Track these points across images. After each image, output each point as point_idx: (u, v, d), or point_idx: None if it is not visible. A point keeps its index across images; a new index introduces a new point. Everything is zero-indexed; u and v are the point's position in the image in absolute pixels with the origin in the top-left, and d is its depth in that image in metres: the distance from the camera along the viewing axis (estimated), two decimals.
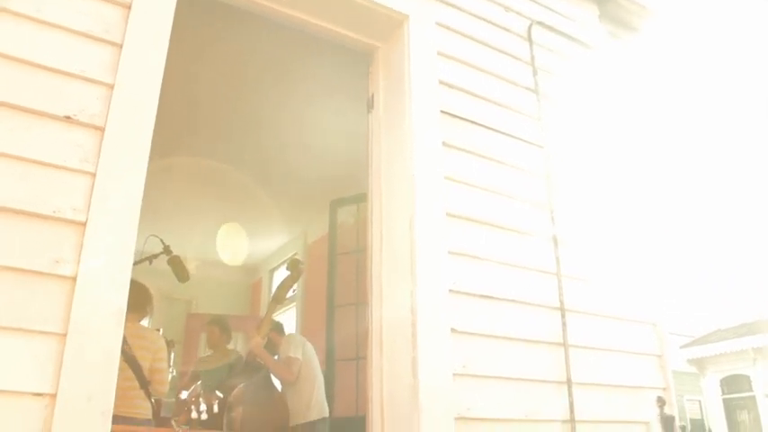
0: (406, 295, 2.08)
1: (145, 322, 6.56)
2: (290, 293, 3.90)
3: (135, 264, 3.62)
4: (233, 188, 5.47)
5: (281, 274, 6.72)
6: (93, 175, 1.64)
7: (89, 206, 1.61)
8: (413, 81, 2.34)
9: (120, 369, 2.94)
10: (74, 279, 1.53)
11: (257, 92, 3.99)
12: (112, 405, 1.50)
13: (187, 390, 4.48)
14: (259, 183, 5.41)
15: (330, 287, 4.58)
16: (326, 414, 3.77)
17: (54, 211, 1.57)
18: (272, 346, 3.82)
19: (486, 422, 2.05)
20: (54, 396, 1.43)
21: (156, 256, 3.67)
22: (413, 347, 2.00)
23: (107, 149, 1.68)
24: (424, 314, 2.03)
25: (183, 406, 2.27)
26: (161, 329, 4.41)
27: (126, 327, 3.10)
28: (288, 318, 6.22)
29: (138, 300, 3.24)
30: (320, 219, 5.36)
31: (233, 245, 3.53)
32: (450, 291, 2.12)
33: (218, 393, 2.28)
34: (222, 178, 5.28)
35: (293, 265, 3.74)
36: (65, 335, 1.48)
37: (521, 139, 2.54)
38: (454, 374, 2.03)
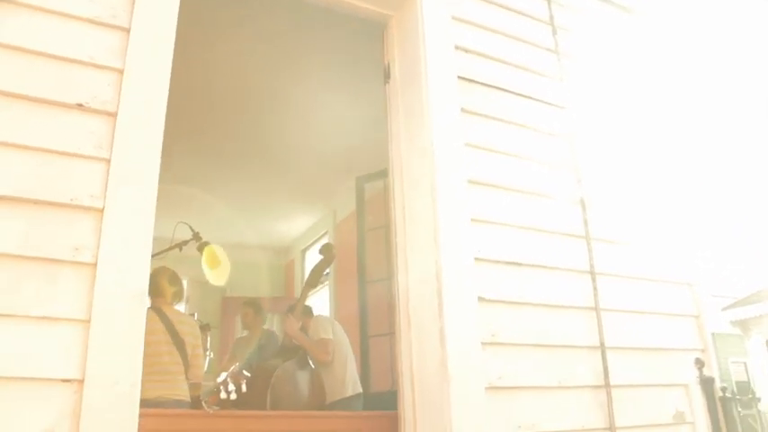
0: (431, 266, 2.05)
1: (181, 308, 6.70)
2: (322, 277, 3.93)
3: (165, 251, 3.71)
4: (260, 170, 5.49)
5: (313, 254, 6.77)
6: (108, 161, 1.64)
7: (105, 192, 1.61)
8: (428, 48, 2.28)
9: (171, 354, 3.05)
10: (94, 265, 1.54)
11: (275, 70, 3.97)
12: (138, 388, 1.51)
13: (226, 371, 4.56)
14: (285, 163, 5.42)
15: (360, 263, 4.58)
16: (360, 390, 3.82)
17: (71, 199, 1.58)
18: (302, 330, 3.87)
19: (518, 390, 2.02)
20: (82, 381, 1.45)
21: (185, 242, 3.72)
22: (439, 318, 1.97)
23: (120, 135, 1.67)
24: (450, 284, 2.00)
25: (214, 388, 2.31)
26: (195, 314, 4.49)
27: (170, 312, 3.20)
28: (321, 296, 6.26)
29: (172, 285, 3.29)
30: (348, 196, 5.34)
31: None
32: (475, 259, 2.08)
33: (246, 373, 2.30)
34: (248, 161, 5.29)
35: (326, 250, 3.77)
36: (88, 321, 1.49)
37: (542, 101, 2.46)
38: (483, 343, 2.00)
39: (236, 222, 6.44)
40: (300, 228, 6.79)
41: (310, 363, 3.67)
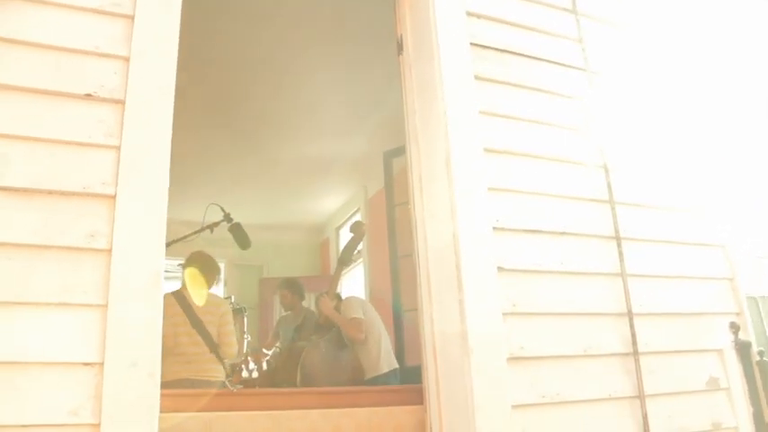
0: (448, 237, 2.03)
1: (220, 291, 6.84)
2: (354, 254, 3.94)
3: (196, 233, 3.76)
4: (290, 149, 5.52)
5: (347, 231, 6.80)
6: (118, 148, 1.66)
7: (117, 179, 1.63)
8: (438, 16, 2.23)
9: (189, 335, 3.12)
10: (109, 251, 1.57)
11: (293, 49, 3.96)
12: (158, 368, 1.55)
13: (269, 349, 4.65)
14: (315, 140, 5.42)
15: (391, 238, 4.56)
16: (396, 366, 3.83)
17: (84, 188, 1.61)
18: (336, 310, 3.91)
19: (541, 360, 2.00)
20: (102, 364, 1.49)
21: (216, 224, 3.75)
22: (458, 290, 1.95)
23: (129, 122, 1.69)
24: (467, 255, 1.97)
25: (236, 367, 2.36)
26: (232, 297, 4.57)
27: (189, 294, 3.27)
28: (356, 274, 6.30)
29: (202, 268, 3.36)
30: (378, 172, 5.33)
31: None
32: (493, 228, 2.05)
33: (265, 351, 2.33)
34: (278, 140, 5.32)
35: (356, 227, 3.79)
36: (105, 306, 1.53)
37: (560, 64, 2.39)
38: (503, 314, 1.98)
39: (270, 203, 6.52)
40: (333, 206, 6.82)
41: (345, 341, 3.71)
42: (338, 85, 4.60)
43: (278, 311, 6.34)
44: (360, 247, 4.03)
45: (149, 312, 1.56)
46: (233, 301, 4.43)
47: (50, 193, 1.58)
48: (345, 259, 3.78)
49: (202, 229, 3.66)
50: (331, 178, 6.17)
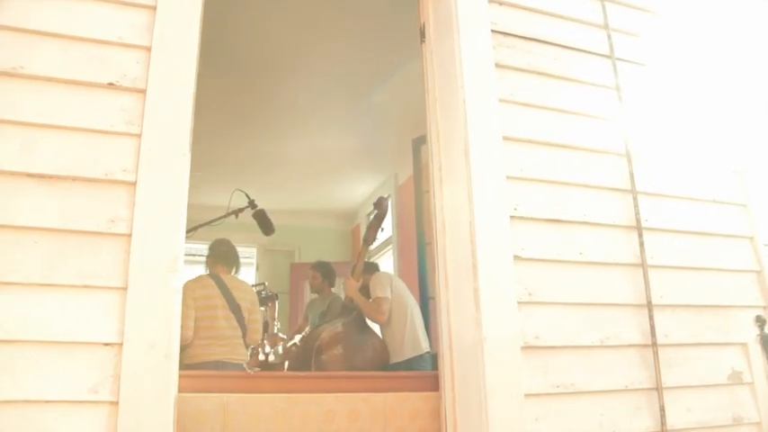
0: (465, 225, 2.02)
1: (251, 275, 6.92)
2: (379, 233, 3.84)
3: (220, 218, 3.81)
4: (322, 135, 5.54)
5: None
6: (139, 136, 1.71)
7: (137, 166, 1.68)
8: (459, 2, 2.22)
9: (227, 319, 3.19)
10: (129, 236, 1.62)
11: (322, 36, 3.97)
12: (176, 350, 1.60)
13: (299, 333, 4.70)
14: (347, 127, 5.44)
15: (419, 225, 4.58)
16: (422, 351, 3.71)
17: (105, 174, 1.66)
18: (365, 290, 3.86)
19: (557, 350, 1.99)
20: (121, 345, 1.54)
21: (241, 210, 3.79)
22: (474, 278, 1.95)
23: (150, 110, 1.73)
24: (483, 243, 1.97)
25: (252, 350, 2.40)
26: (266, 283, 4.63)
27: (227, 278, 3.34)
28: (386, 260, 6.31)
29: (224, 253, 3.41)
30: (407, 159, 5.32)
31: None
32: (511, 217, 2.04)
33: (281, 335, 2.36)
34: (310, 125, 5.34)
35: (378, 203, 3.70)
36: (125, 288, 1.58)
37: (583, 51, 2.35)
38: (519, 303, 1.97)
39: (301, 189, 6.58)
40: (364, 192, 6.84)
41: (368, 324, 3.63)
42: (367, 72, 4.59)
43: (308, 296, 6.41)
44: (383, 226, 3.88)
45: (167, 296, 1.61)
46: (266, 286, 4.48)
47: (74, 179, 1.63)
48: (368, 238, 3.67)
49: (227, 215, 3.70)
50: (362, 165, 6.18)
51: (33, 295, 1.53)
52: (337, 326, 3.12)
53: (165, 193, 1.68)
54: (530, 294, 2.00)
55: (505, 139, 2.12)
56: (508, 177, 2.08)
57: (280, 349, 2.25)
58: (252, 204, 3.80)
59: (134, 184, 1.66)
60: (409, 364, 3.60)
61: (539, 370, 1.95)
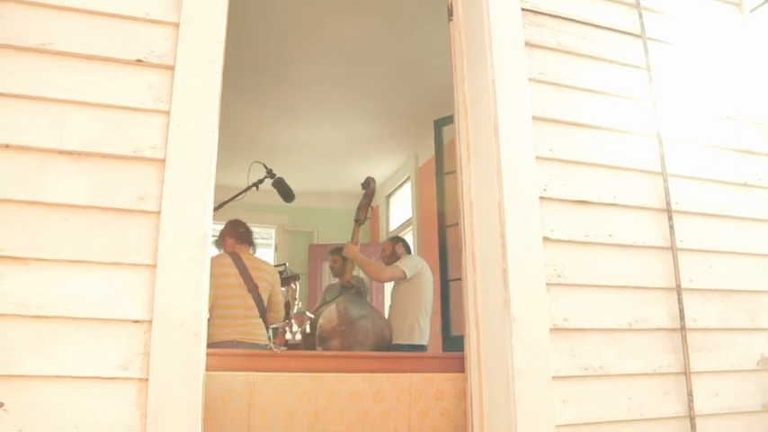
0: (494, 206, 1.96)
1: (270, 255, 6.88)
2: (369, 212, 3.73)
3: (242, 192, 3.74)
4: (341, 116, 5.47)
5: (396, 199, 6.76)
6: (168, 113, 1.66)
7: (166, 143, 1.63)
8: None
9: (242, 298, 3.14)
10: (158, 213, 1.58)
11: (340, 15, 3.89)
12: (204, 328, 1.56)
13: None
14: (366, 108, 5.36)
15: (440, 207, 4.51)
16: (426, 342, 3.68)
17: (134, 151, 1.62)
18: (394, 259, 3.88)
19: (585, 332, 1.93)
20: (150, 322, 1.51)
21: (261, 181, 3.73)
22: (503, 259, 1.90)
23: (178, 87, 1.68)
24: (513, 223, 1.91)
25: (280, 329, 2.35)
26: (287, 263, 4.59)
27: (246, 257, 3.29)
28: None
29: (246, 233, 3.37)
30: (428, 141, 5.25)
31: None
32: (540, 198, 1.97)
33: (309, 314, 2.31)
34: (329, 106, 5.28)
35: (366, 183, 3.60)
36: (154, 266, 1.54)
37: (613, 30, 2.26)
38: (548, 284, 1.91)
39: (320, 170, 6.52)
40: (384, 174, 6.77)
41: (367, 303, 3.54)
42: (389, 53, 4.50)
43: (327, 278, 6.37)
44: (372, 204, 3.78)
45: (196, 273, 1.57)
46: (287, 266, 4.44)
47: (104, 156, 1.59)
48: (360, 218, 3.58)
49: (248, 188, 3.65)
50: (382, 147, 6.10)
51: (63, 272, 1.50)
52: (337, 304, 3.02)
53: (194, 170, 1.64)
54: (558, 276, 1.94)
55: (535, 118, 2.05)
56: (537, 158, 2.01)
57: (307, 328, 2.20)
58: (270, 174, 3.73)
59: (163, 161, 1.62)
60: (411, 350, 3.55)
61: (566, 352, 1.89)
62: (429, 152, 5.54)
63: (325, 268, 6.06)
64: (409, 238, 6.09)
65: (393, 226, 6.79)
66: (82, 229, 1.53)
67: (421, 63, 4.51)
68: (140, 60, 1.68)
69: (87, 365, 1.46)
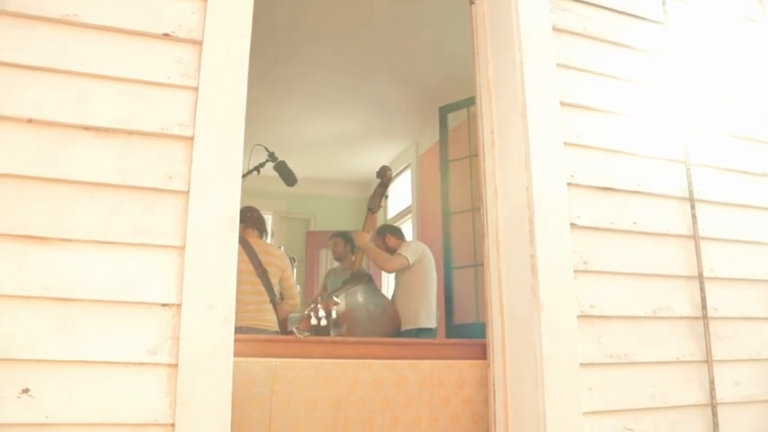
0: (522, 191, 1.88)
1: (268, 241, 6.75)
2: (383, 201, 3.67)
3: (244, 176, 3.62)
4: (341, 102, 5.34)
5: (396, 186, 6.66)
6: (196, 89, 1.56)
7: (195, 120, 1.53)
8: None
9: (252, 284, 3.03)
10: (186, 193, 1.48)
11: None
12: (233, 312, 1.47)
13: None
14: (366, 95, 5.23)
15: (444, 195, 4.43)
16: (433, 325, 3.61)
17: (162, 128, 1.51)
18: (392, 252, 3.75)
19: (610, 320, 1.87)
20: (179, 306, 1.42)
21: (262, 164, 3.62)
22: (531, 245, 1.82)
23: (206, 63, 1.58)
24: (541, 209, 1.83)
25: (305, 314, 2.26)
26: (282, 247, 4.49)
27: (255, 242, 3.18)
28: (404, 229, 6.16)
29: (254, 218, 3.26)
30: (430, 128, 5.15)
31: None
32: (567, 184, 1.90)
33: (336, 299, 2.23)
34: (329, 93, 5.14)
35: (381, 172, 3.54)
36: (183, 247, 1.45)
37: (644, 18, 2.18)
38: (575, 271, 1.84)
39: (318, 157, 6.40)
40: (383, 161, 6.64)
41: (378, 290, 3.48)
42: (390, 39, 4.37)
43: (323, 264, 6.28)
44: (387, 194, 3.71)
45: (226, 256, 1.48)
46: (282, 250, 4.35)
47: (131, 133, 1.49)
48: (373, 206, 3.52)
49: (250, 171, 3.54)
50: (381, 134, 5.98)
51: (90, 253, 1.40)
52: (342, 294, 2.93)
53: (223, 148, 1.54)
54: (585, 263, 1.87)
55: (562, 104, 1.97)
56: (565, 144, 1.93)
57: (333, 313, 2.13)
58: (272, 157, 3.62)
59: (191, 138, 1.52)
60: (418, 334, 3.48)
61: (593, 339, 1.83)
62: (430, 139, 5.44)
63: (323, 255, 5.96)
64: (409, 225, 6.00)
65: (392, 214, 6.70)
66: (107, 208, 1.43)
67: (422, 50, 4.39)
68: (167, 34, 1.57)
69: (115, 350, 1.37)
